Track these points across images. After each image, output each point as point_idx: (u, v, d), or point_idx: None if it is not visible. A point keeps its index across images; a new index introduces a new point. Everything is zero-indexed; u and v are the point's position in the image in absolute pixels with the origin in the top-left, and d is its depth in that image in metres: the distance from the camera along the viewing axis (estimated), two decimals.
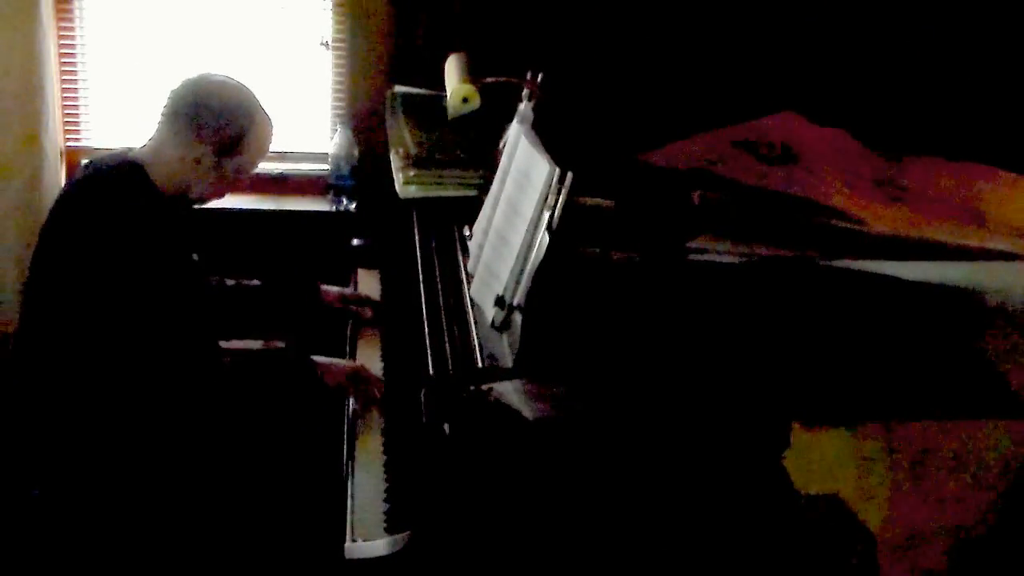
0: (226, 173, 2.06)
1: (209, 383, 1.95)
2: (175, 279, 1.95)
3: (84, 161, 2.87)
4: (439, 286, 2.02)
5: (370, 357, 2.20)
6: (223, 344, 2.10)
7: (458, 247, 2.11)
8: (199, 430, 1.95)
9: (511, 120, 2.05)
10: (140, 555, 1.93)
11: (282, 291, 2.38)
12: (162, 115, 2.03)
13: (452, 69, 2.52)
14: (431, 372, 1.78)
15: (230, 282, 2.34)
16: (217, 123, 2.00)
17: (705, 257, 1.83)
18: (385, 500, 1.74)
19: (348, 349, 2.26)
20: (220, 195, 2.13)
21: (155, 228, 1.93)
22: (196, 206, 2.11)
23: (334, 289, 2.41)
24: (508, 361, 1.68)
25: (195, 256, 2.11)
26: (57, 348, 1.91)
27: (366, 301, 2.40)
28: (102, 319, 1.86)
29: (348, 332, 2.32)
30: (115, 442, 1.90)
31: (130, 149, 2.05)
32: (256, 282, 2.38)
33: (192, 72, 2.08)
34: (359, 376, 2.03)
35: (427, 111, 2.53)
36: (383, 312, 2.38)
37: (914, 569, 1.58)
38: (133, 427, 1.89)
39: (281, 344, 2.42)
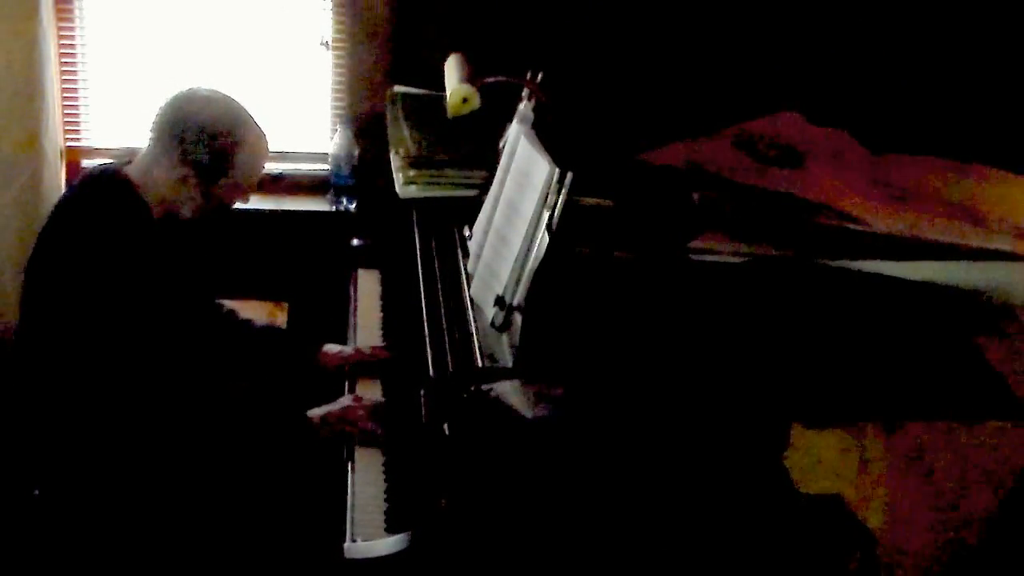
0: (217, 194, 1.98)
1: (195, 398, 1.94)
2: (155, 298, 1.90)
3: (88, 163, 2.88)
4: (439, 286, 2.02)
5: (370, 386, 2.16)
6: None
7: (458, 247, 2.11)
8: (193, 434, 1.94)
9: (511, 120, 2.05)
10: (140, 555, 1.93)
11: (282, 345, 2.29)
12: (149, 132, 1.97)
13: (452, 69, 2.52)
14: (431, 372, 1.78)
15: (241, 316, 2.29)
16: (201, 144, 1.92)
17: (705, 257, 1.83)
18: (385, 500, 1.74)
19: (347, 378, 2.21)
20: (216, 214, 2.05)
21: (136, 250, 1.89)
22: (215, 217, 2.06)
23: (335, 350, 2.22)
24: (508, 361, 1.68)
25: (196, 274, 2.09)
26: (50, 354, 1.91)
27: (371, 363, 2.19)
28: (85, 333, 1.85)
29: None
30: (114, 443, 1.90)
31: (128, 161, 2.00)
32: (264, 322, 2.30)
33: (181, 87, 2.00)
34: (345, 419, 1.93)
35: (427, 111, 2.53)
36: (383, 311, 2.38)
37: (914, 569, 1.58)
38: (130, 429, 1.89)
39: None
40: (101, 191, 1.95)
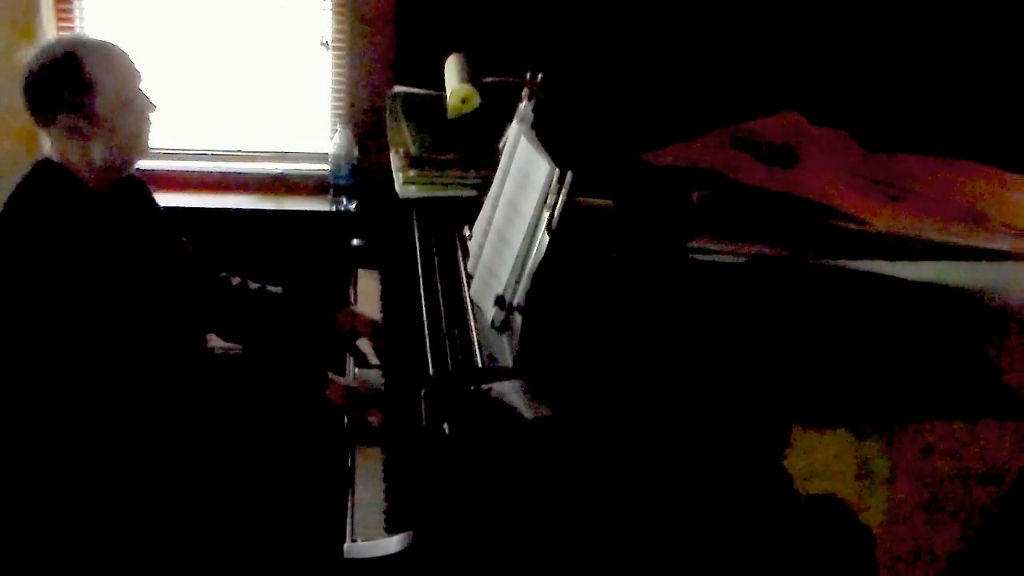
0: (110, 121, 1.90)
1: (179, 374, 1.92)
2: (108, 273, 1.86)
3: None
4: (439, 286, 2.02)
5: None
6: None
7: (458, 247, 2.11)
8: (191, 427, 1.94)
9: (511, 120, 2.05)
10: (139, 555, 1.93)
11: (303, 304, 2.25)
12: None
13: (452, 69, 2.52)
14: (431, 372, 1.78)
15: (254, 285, 2.26)
16: (50, 85, 1.87)
17: (705, 257, 1.84)
18: (385, 500, 1.74)
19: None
20: (135, 147, 1.97)
21: (79, 231, 1.86)
22: (135, 163, 2.00)
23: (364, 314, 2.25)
24: (508, 361, 1.68)
25: (168, 248, 2.06)
26: (28, 354, 1.90)
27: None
28: (51, 324, 1.84)
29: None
30: (113, 441, 1.90)
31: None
32: (278, 289, 2.27)
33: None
34: (355, 399, 1.96)
35: (427, 111, 2.53)
36: (383, 311, 2.38)
37: (915, 569, 1.58)
38: (125, 425, 1.89)
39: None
40: (35, 180, 1.94)
